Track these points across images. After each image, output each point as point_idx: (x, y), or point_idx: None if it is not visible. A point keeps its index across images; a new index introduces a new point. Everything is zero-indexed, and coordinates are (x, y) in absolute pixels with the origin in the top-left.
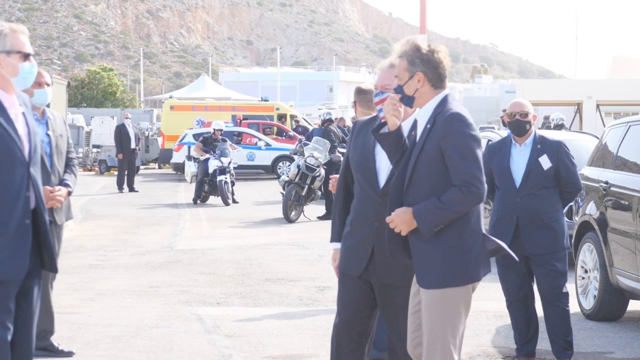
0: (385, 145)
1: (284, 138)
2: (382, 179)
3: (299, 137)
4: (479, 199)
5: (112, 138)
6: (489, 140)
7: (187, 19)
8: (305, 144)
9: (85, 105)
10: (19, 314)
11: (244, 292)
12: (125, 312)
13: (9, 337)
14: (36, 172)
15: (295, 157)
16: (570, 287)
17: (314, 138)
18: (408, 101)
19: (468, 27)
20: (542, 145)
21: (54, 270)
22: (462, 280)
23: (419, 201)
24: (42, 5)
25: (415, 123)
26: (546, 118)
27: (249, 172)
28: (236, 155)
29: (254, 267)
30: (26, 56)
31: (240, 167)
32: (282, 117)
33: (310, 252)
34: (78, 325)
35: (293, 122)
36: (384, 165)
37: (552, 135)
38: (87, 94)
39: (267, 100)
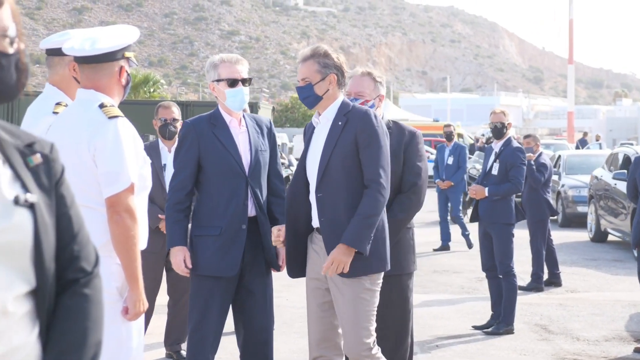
0: None
1: None
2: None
3: None
4: (385, 198)
5: None
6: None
7: (373, 53)
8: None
9: (288, 125)
10: (246, 312)
11: (415, 281)
12: None
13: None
14: (257, 183)
15: None
16: None
17: (476, 153)
18: (315, 101)
19: (610, 57)
20: None
21: (275, 269)
22: (384, 266)
23: (332, 193)
24: (254, 44)
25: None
26: None
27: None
28: None
29: (424, 260)
30: (232, 82)
31: None
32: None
33: (474, 248)
34: (277, 307)
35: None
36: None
37: None
38: (290, 117)
39: (438, 121)
